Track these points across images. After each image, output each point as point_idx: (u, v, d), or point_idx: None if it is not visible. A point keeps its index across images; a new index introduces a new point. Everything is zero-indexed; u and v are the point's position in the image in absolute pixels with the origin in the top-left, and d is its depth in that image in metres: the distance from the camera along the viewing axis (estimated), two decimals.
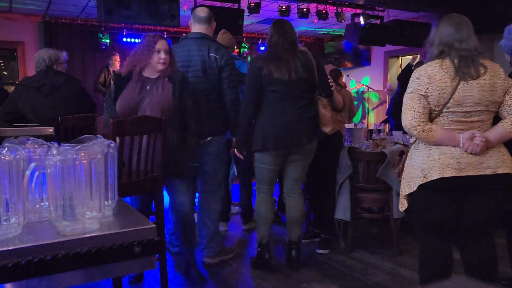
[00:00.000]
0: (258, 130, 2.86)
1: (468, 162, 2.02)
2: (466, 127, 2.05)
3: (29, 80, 3.44)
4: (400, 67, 9.10)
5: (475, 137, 2.01)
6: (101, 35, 7.87)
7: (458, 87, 2.00)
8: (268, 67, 2.80)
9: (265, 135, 2.83)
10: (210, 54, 2.93)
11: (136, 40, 8.27)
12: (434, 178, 2.04)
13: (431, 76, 2.02)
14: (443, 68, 2.03)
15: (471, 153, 2.02)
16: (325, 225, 3.50)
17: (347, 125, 4.35)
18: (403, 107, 2.10)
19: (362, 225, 4.15)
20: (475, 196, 2.10)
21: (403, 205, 2.23)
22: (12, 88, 4.53)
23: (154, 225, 1.03)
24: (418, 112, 2.04)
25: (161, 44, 2.58)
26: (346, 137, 3.69)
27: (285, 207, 3.14)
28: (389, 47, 7.67)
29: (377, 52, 9.33)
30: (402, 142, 3.87)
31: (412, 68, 6.26)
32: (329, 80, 3.06)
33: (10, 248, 0.89)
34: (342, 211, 3.33)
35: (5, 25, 7.23)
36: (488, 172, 2.03)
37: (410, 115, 2.05)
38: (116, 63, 7.01)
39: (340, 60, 9.67)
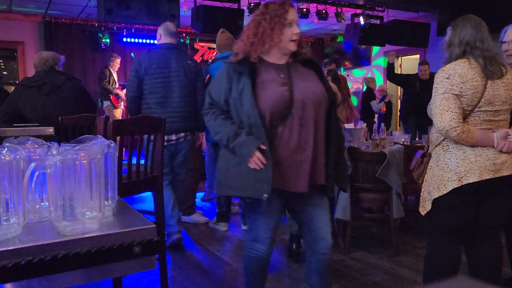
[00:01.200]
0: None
1: (501, 162, 2.00)
2: (494, 126, 2.04)
3: (29, 80, 3.44)
4: (400, 67, 9.10)
5: (509, 135, 1.99)
6: (101, 35, 7.88)
7: (487, 86, 1.99)
8: None
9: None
10: (188, 62, 3.46)
11: (136, 40, 8.24)
12: (471, 182, 1.98)
13: (463, 75, 1.98)
14: (472, 67, 2.00)
15: (505, 152, 1.99)
16: None
17: (347, 125, 4.35)
18: (436, 108, 2.01)
19: (362, 225, 4.14)
20: (497, 196, 2.08)
21: (425, 208, 2.16)
22: (12, 88, 4.55)
23: (154, 225, 1.03)
24: (456, 112, 1.97)
25: (293, 14, 1.86)
26: (345, 137, 3.69)
27: None
28: (388, 47, 7.67)
29: (376, 52, 9.33)
30: (402, 142, 3.86)
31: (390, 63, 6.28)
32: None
33: (10, 248, 0.89)
34: (342, 210, 3.33)
35: (5, 25, 7.22)
36: None
37: (448, 116, 1.96)
38: (115, 65, 7.05)
39: (340, 60, 9.67)
